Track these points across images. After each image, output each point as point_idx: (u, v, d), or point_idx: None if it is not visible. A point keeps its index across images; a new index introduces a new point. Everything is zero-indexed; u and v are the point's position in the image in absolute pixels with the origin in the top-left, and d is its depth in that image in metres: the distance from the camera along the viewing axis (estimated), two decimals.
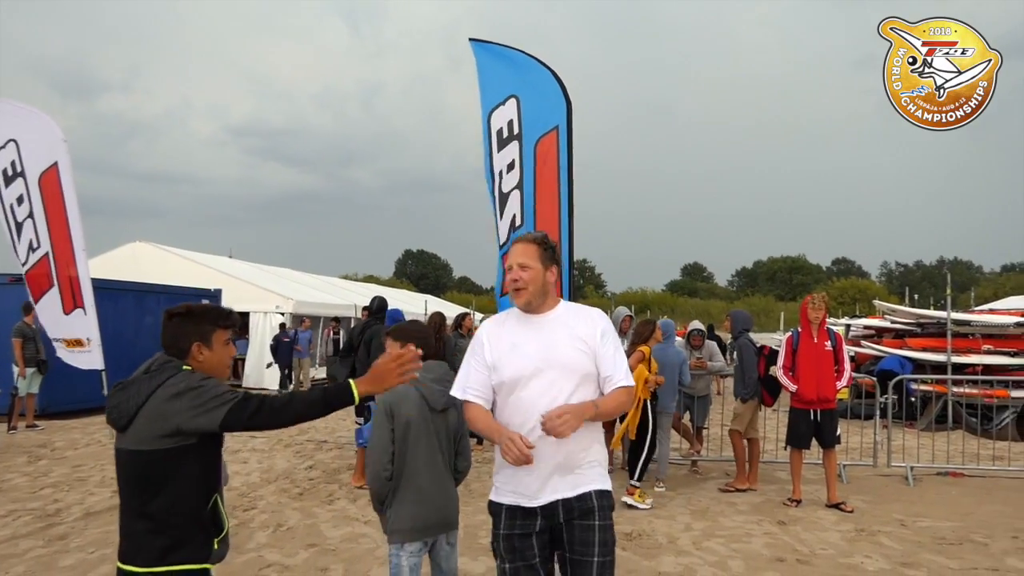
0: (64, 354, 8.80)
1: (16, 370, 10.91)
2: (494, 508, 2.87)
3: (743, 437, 7.75)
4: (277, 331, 17.38)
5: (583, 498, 2.77)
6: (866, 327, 17.65)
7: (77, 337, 8.61)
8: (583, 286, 76.71)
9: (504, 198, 7.60)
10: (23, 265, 8.75)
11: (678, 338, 10.13)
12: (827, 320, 7.27)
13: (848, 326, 18.90)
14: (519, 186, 7.49)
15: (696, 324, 9.60)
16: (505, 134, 7.59)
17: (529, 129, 7.46)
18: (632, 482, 6.97)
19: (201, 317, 2.58)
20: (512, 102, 7.54)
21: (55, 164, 8.42)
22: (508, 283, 2.84)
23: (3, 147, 8.64)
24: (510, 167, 7.55)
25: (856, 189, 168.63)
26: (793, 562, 5.36)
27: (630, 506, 6.78)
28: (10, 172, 8.64)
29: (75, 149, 8.42)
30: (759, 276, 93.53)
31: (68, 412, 12.22)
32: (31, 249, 8.69)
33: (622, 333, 8.67)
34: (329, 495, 7.24)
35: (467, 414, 2.88)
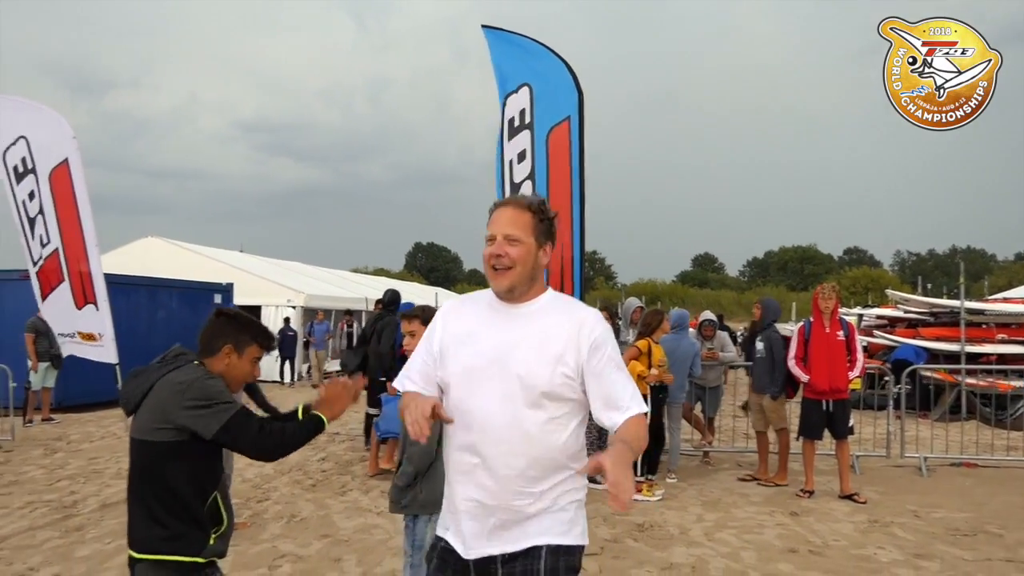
0: (75, 348, 8.85)
1: (29, 364, 11.00)
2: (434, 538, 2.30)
3: (776, 430, 7.65)
4: (282, 325, 17.72)
5: (529, 555, 2.08)
6: (879, 317, 17.57)
7: (90, 332, 8.68)
8: (593, 277, 76.58)
9: (516, 188, 7.59)
10: (35, 262, 8.81)
11: (690, 329, 10.11)
12: (839, 310, 7.23)
13: (860, 316, 18.83)
14: (531, 176, 7.48)
15: (707, 314, 9.57)
16: (516, 123, 7.56)
17: (541, 119, 7.44)
18: (636, 478, 6.95)
19: (246, 326, 2.67)
20: (525, 90, 7.51)
21: (65, 161, 8.47)
22: (488, 258, 2.14)
23: (14, 144, 8.70)
24: (521, 157, 7.53)
25: (868, 178, 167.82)
26: (806, 553, 5.35)
27: (638, 501, 6.78)
28: (21, 169, 8.70)
29: (85, 146, 8.48)
30: (770, 266, 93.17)
31: (83, 405, 12.30)
32: (42, 244, 8.75)
33: (632, 324, 8.66)
34: (342, 486, 7.27)
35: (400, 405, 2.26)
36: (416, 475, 3.44)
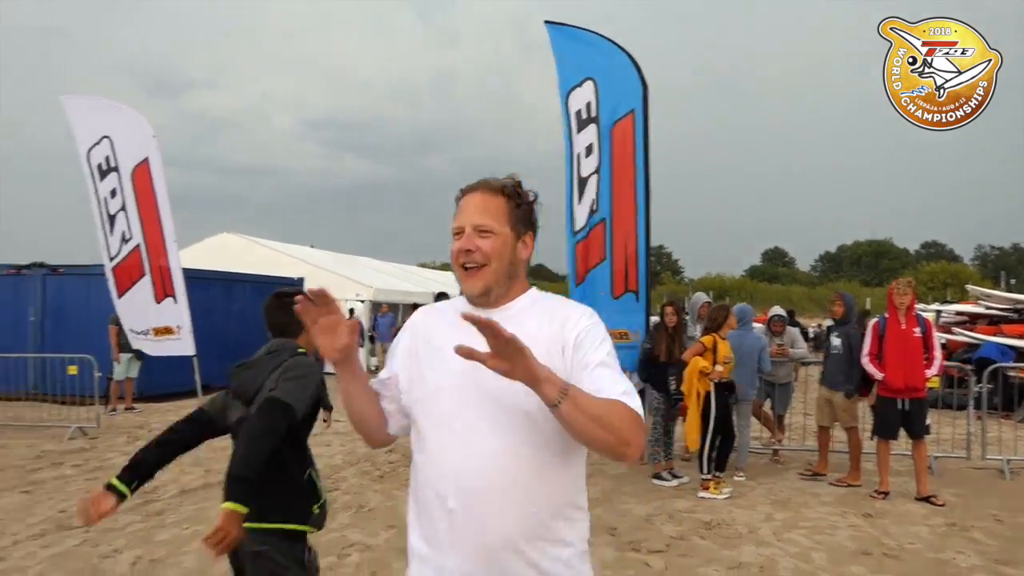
0: (148, 345, 9.16)
1: (113, 355, 11.48)
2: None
3: (846, 428, 7.46)
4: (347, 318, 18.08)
5: None
6: (958, 313, 16.93)
7: (167, 325, 8.97)
8: (659, 272, 75.80)
9: (583, 182, 7.57)
10: (112, 258, 9.15)
11: (758, 324, 9.91)
12: (915, 306, 7.00)
13: (939, 312, 18.16)
14: (597, 171, 7.45)
15: (777, 310, 9.38)
16: (583, 116, 7.55)
17: (605, 112, 7.41)
18: (703, 476, 6.86)
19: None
20: (589, 84, 7.50)
21: (146, 159, 8.78)
22: (456, 256, 1.82)
23: (98, 143, 9.05)
24: (588, 151, 7.52)
25: (947, 169, 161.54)
26: (880, 556, 5.20)
27: (705, 499, 6.69)
28: (104, 167, 9.04)
29: (164, 145, 8.79)
30: (843, 261, 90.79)
31: (163, 395, 12.78)
32: (123, 241, 9.08)
33: (700, 319, 8.53)
34: (408, 478, 7.37)
35: None
36: None
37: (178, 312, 8.84)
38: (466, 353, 1.47)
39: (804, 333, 14.26)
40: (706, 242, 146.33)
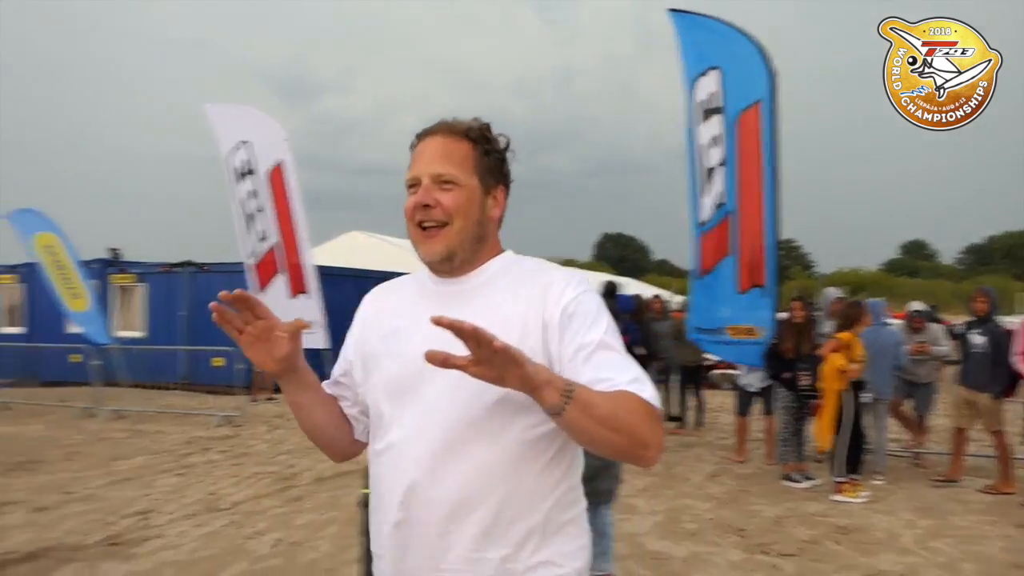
0: None
1: None
2: None
3: (992, 432, 6.99)
4: None
5: None
6: None
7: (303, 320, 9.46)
8: (789, 267, 72.98)
9: (708, 174, 7.41)
10: (252, 256, 9.70)
11: (897, 320, 9.38)
12: None
13: None
14: (724, 162, 7.27)
15: (916, 305, 8.86)
16: (708, 107, 7.38)
17: (731, 102, 7.22)
18: (836, 478, 6.55)
19: None
20: (714, 74, 7.32)
21: (281, 162, 9.26)
22: (410, 213, 1.51)
23: (237, 148, 9.62)
24: (714, 141, 7.36)
25: None
26: None
27: (839, 502, 6.39)
28: (243, 170, 9.60)
29: (297, 147, 9.23)
30: (993, 253, 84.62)
31: None
32: (261, 239, 9.61)
33: (831, 315, 8.16)
34: None
35: None
36: (598, 468, 3.56)
37: (311, 307, 9.27)
38: (440, 360, 1.19)
39: (949, 331, 13.39)
40: (839, 235, 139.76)
